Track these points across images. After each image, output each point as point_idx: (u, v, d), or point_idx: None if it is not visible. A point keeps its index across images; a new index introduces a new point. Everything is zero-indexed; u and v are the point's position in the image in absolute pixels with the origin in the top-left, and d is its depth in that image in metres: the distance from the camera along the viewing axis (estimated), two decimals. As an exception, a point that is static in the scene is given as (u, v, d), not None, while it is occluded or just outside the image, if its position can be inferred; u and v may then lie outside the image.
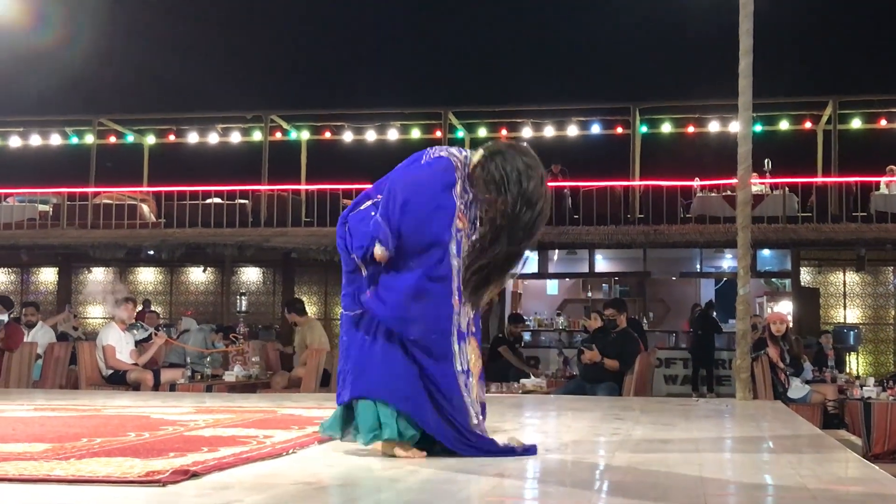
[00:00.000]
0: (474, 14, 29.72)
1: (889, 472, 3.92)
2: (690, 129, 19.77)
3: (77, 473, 3.50)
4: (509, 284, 18.18)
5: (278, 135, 20.74)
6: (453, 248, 4.14)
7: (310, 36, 29.59)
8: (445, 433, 4.14)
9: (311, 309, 20.39)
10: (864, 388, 11.18)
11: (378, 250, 4.07)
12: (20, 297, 18.64)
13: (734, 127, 14.50)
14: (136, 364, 10.24)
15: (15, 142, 21.36)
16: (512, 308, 17.34)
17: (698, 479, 3.74)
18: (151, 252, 18.38)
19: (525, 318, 17.60)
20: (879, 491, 3.45)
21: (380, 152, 20.24)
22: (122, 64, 26.04)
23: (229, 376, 11.07)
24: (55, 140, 21.44)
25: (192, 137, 21.21)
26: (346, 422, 4.30)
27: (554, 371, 14.28)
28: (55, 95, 22.79)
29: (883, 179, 17.53)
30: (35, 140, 21.34)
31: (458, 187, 4.19)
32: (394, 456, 4.10)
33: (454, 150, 4.34)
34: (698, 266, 18.78)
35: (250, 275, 20.62)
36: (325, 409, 6.88)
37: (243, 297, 16.75)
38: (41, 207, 19.49)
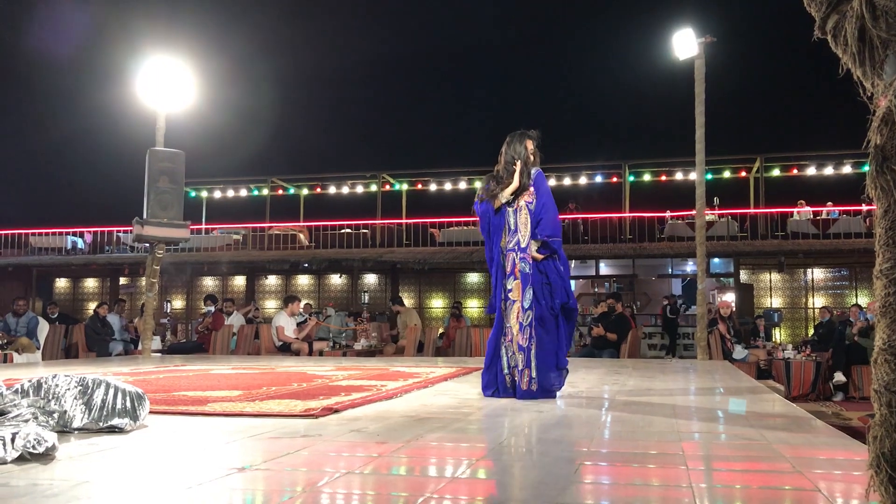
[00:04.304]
0: (515, 101, 29.67)
1: (803, 409, 3.97)
2: (663, 177, 19.50)
3: (260, 410, 3.57)
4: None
5: (387, 186, 20.84)
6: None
7: (410, 117, 29.69)
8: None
9: (409, 302, 20.46)
10: (785, 351, 11.02)
11: None
12: (222, 295, 18.92)
13: (693, 176, 14.30)
14: (297, 338, 10.38)
15: (217, 194, 21.78)
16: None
17: (672, 409, 3.72)
18: (306, 265, 18.60)
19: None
20: (795, 417, 3.48)
21: (452, 198, 20.30)
22: (284, 139, 26.27)
23: (357, 346, 11.16)
24: (242, 192, 21.78)
25: (331, 189, 21.41)
26: None
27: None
28: (242, 162, 23.12)
29: (794, 210, 17.28)
30: (230, 192, 21.73)
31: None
32: None
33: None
34: (670, 270, 18.49)
35: (370, 279, 20.69)
36: (420, 367, 6.91)
37: (366, 294, 16.79)
38: (234, 237, 19.82)
